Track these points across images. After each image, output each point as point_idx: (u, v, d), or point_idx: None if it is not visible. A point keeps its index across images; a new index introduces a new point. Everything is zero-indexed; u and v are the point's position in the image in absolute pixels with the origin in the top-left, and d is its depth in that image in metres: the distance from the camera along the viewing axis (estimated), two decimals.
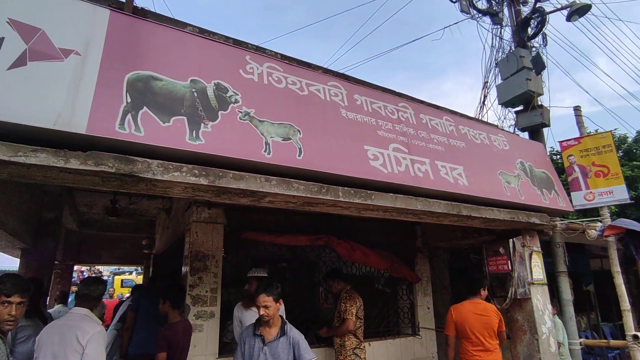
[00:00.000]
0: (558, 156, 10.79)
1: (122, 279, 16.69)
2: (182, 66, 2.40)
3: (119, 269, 20.26)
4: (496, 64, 6.48)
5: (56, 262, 6.54)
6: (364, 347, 4.17)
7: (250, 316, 3.68)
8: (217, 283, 4.08)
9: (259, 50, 3.14)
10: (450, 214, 3.18)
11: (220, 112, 2.38)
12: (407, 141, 3.19)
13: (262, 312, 2.79)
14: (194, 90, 2.34)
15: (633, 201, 7.78)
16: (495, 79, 6.66)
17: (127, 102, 2.09)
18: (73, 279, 9.99)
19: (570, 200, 4.83)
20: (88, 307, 2.87)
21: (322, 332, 4.28)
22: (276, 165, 2.38)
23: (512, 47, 6.21)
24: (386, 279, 5.67)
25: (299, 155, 2.50)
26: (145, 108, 2.12)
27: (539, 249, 4.42)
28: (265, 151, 2.38)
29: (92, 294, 2.89)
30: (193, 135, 2.18)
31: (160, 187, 2.25)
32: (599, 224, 4.85)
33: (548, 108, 5.39)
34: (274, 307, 2.82)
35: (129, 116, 2.05)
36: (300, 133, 2.59)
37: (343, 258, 5.03)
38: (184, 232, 4.47)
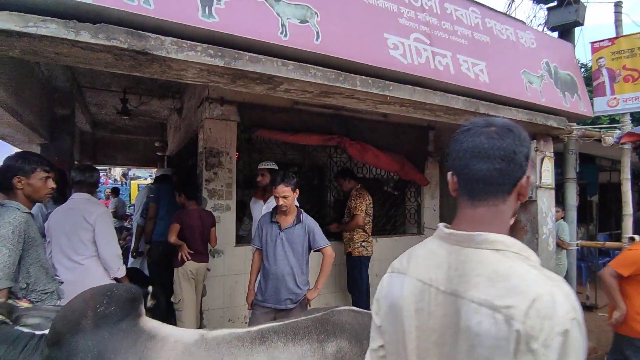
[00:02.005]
0: (583, 69, 10.23)
1: (138, 184, 17.36)
2: None
3: (134, 174, 20.88)
4: None
5: (75, 162, 6.71)
6: (372, 240, 4.43)
7: (258, 207, 3.87)
8: (232, 179, 4.22)
9: None
10: (468, 111, 3.11)
11: None
12: (429, 32, 2.99)
13: (280, 202, 2.89)
14: None
15: None
16: None
17: None
18: None
19: (592, 107, 4.68)
20: (87, 191, 3.02)
21: (332, 227, 4.53)
22: (293, 48, 2.27)
23: None
24: (395, 182, 5.81)
25: (317, 40, 2.38)
26: None
27: (552, 155, 4.41)
28: (281, 33, 2.26)
29: (88, 180, 3.02)
30: (206, 11, 2.05)
31: (175, 69, 2.19)
32: (617, 131, 4.77)
33: (585, 4, 4.94)
34: (291, 197, 2.92)
35: None
36: (317, 16, 2.42)
37: (354, 159, 5.10)
38: (197, 130, 4.50)
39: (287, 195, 2.89)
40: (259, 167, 3.91)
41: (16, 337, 1.41)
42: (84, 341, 1.34)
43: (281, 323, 1.61)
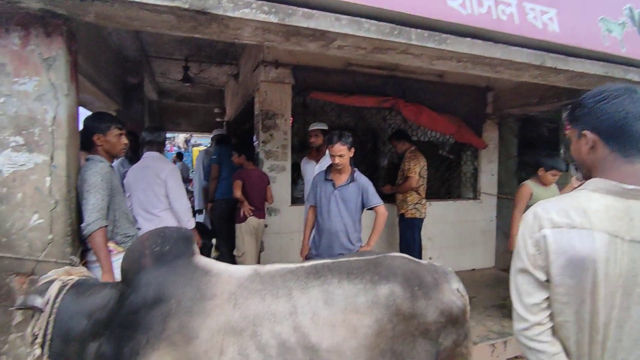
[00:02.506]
0: None
1: (200, 151, 18.31)
2: None
3: (195, 142, 21.93)
4: None
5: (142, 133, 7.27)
6: (425, 203, 4.39)
7: (311, 168, 3.97)
8: (287, 140, 4.35)
9: None
10: (533, 65, 2.90)
11: None
12: None
13: (337, 161, 2.95)
14: None
15: None
16: None
17: None
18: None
19: None
20: (157, 150, 3.29)
21: (386, 189, 4.54)
22: (346, 2, 2.25)
23: None
24: (451, 146, 5.64)
25: None
26: None
27: None
28: None
29: (156, 140, 3.30)
30: None
31: (232, 29, 2.28)
32: None
33: None
34: (347, 156, 2.98)
35: None
36: None
37: (409, 121, 5.01)
38: (253, 94, 4.65)
39: (343, 154, 2.94)
40: (311, 128, 3.99)
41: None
42: (145, 277, 1.48)
43: (334, 261, 1.60)
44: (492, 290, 4.57)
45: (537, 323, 1.07)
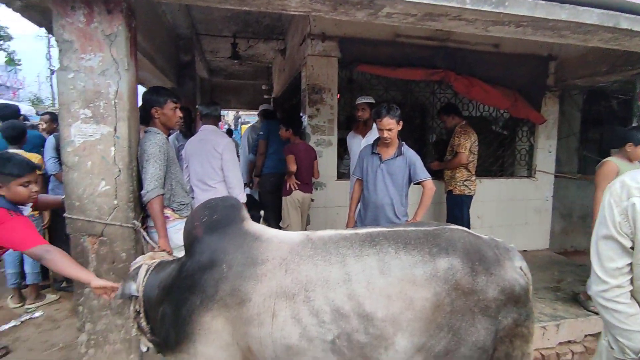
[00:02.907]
0: None
1: (247, 127, 18.77)
2: None
3: (244, 119, 22.46)
4: None
5: (197, 106, 7.55)
6: (475, 180, 4.23)
7: (357, 142, 3.94)
8: (334, 115, 4.34)
9: None
10: (604, 27, 2.63)
11: None
12: None
13: (385, 135, 2.91)
14: None
15: None
16: None
17: None
18: None
19: None
20: (213, 124, 3.40)
21: (434, 165, 4.42)
22: None
23: None
24: (505, 121, 5.35)
25: None
26: None
27: None
28: None
29: (213, 113, 3.41)
30: None
31: (278, 1, 2.28)
32: None
33: None
34: (395, 129, 2.93)
35: None
36: None
37: (460, 95, 4.80)
38: (300, 69, 4.65)
39: (392, 127, 2.90)
40: (358, 102, 3.94)
41: None
42: (198, 246, 1.59)
43: (390, 229, 1.53)
44: (545, 272, 4.38)
45: (616, 286, 1.14)
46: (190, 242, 1.64)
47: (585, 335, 3.26)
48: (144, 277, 1.73)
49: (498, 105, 4.82)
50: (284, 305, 1.41)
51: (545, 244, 5.39)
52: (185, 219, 2.56)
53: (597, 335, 3.24)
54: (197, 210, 1.76)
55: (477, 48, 4.50)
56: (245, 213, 1.72)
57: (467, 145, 4.07)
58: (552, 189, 5.31)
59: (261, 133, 4.85)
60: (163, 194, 2.38)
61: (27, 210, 2.18)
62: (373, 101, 3.92)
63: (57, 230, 3.84)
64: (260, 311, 1.43)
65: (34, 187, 2.14)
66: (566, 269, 4.50)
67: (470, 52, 4.47)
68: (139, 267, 1.80)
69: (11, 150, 3.56)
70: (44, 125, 4.65)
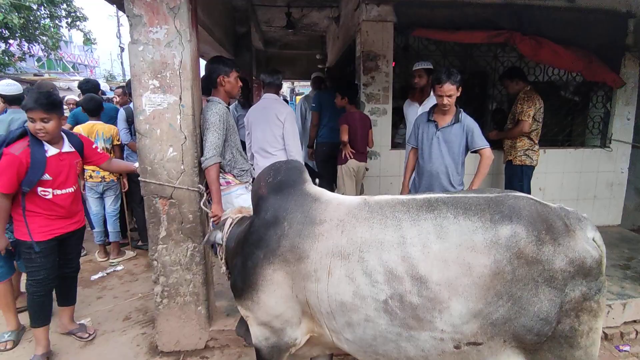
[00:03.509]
0: None
1: (300, 98, 18.87)
2: None
3: (298, 90, 22.56)
4: None
5: (253, 77, 7.73)
6: (538, 150, 3.99)
7: (413, 110, 3.83)
8: (389, 82, 4.26)
9: None
10: None
11: None
12: None
13: (445, 102, 2.82)
14: None
15: None
16: None
17: None
18: None
19: None
20: (275, 92, 3.47)
21: (492, 134, 4.19)
22: None
23: None
24: (577, 86, 4.91)
25: None
26: None
27: None
28: None
29: (276, 82, 3.48)
30: None
31: None
32: None
33: None
34: (455, 96, 2.83)
35: None
36: None
37: (526, 58, 4.46)
38: (354, 35, 4.57)
39: (452, 93, 2.80)
40: (415, 68, 3.81)
41: None
42: (263, 204, 1.71)
43: (450, 195, 1.51)
44: (615, 249, 4.09)
45: None
46: (257, 201, 1.78)
47: None
48: (228, 228, 1.93)
49: (570, 68, 4.41)
50: (339, 264, 1.48)
51: (616, 220, 4.99)
52: (245, 184, 2.73)
53: None
54: (263, 171, 1.88)
55: (548, 4, 4.12)
56: (307, 176, 1.80)
57: (531, 113, 3.81)
58: (629, 161, 4.85)
59: (313, 105, 4.86)
60: (220, 162, 2.52)
61: (53, 150, 2.40)
62: (431, 67, 3.78)
63: (132, 194, 4.24)
64: (317, 268, 1.52)
65: (39, 125, 2.30)
66: (638, 247, 4.18)
67: (538, 9, 4.11)
68: (226, 218, 2.01)
69: (90, 122, 3.94)
70: (117, 99, 5.04)
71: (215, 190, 2.48)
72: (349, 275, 1.46)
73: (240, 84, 2.73)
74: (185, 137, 2.40)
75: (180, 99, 2.36)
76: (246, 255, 1.69)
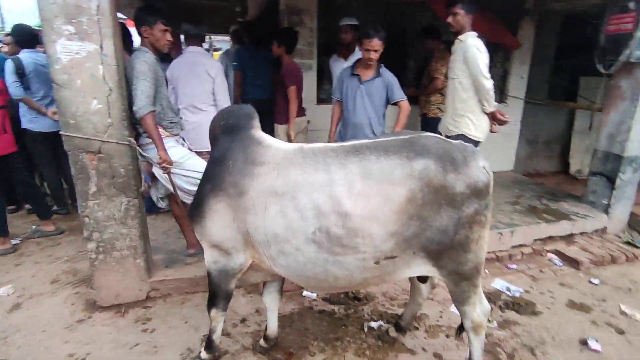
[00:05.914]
0: None
1: (220, 54, 17.89)
2: None
3: (215, 46, 21.27)
4: None
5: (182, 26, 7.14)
6: None
7: (339, 65, 3.92)
8: (313, 37, 4.32)
9: None
10: None
11: None
12: None
13: (371, 56, 2.98)
14: None
15: None
16: None
17: None
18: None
19: None
20: (199, 45, 3.34)
21: (410, 92, 4.50)
22: None
23: None
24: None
25: None
26: None
27: None
28: None
29: (200, 33, 3.35)
30: None
31: None
32: None
33: None
34: (380, 50, 3.00)
35: None
36: None
37: (439, 18, 4.78)
38: None
39: (379, 48, 2.97)
40: (342, 24, 3.90)
41: None
42: (217, 143, 1.92)
43: (373, 140, 1.75)
44: (507, 190, 4.80)
45: None
46: (212, 140, 1.98)
47: (534, 240, 3.74)
48: None
49: (478, 30, 4.85)
50: (274, 201, 1.68)
51: (510, 166, 5.78)
52: (175, 137, 2.71)
53: (544, 240, 3.75)
54: (219, 113, 2.06)
55: None
56: (256, 122, 1.93)
57: (443, 71, 4.18)
58: (521, 115, 5.58)
59: (235, 64, 4.61)
60: (154, 110, 2.46)
61: None
62: (357, 23, 3.90)
63: (33, 155, 3.96)
64: (255, 203, 1.71)
65: None
66: (526, 187, 4.95)
67: None
68: None
69: None
70: (6, 48, 4.41)
71: (157, 137, 2.45)
72: (282, 211, 1.67)
73: (168, 38, 2.59)
74: (111, 89, 2.30)
75: (102, 47, 2.23)
76: (199, 187, 1.92)
